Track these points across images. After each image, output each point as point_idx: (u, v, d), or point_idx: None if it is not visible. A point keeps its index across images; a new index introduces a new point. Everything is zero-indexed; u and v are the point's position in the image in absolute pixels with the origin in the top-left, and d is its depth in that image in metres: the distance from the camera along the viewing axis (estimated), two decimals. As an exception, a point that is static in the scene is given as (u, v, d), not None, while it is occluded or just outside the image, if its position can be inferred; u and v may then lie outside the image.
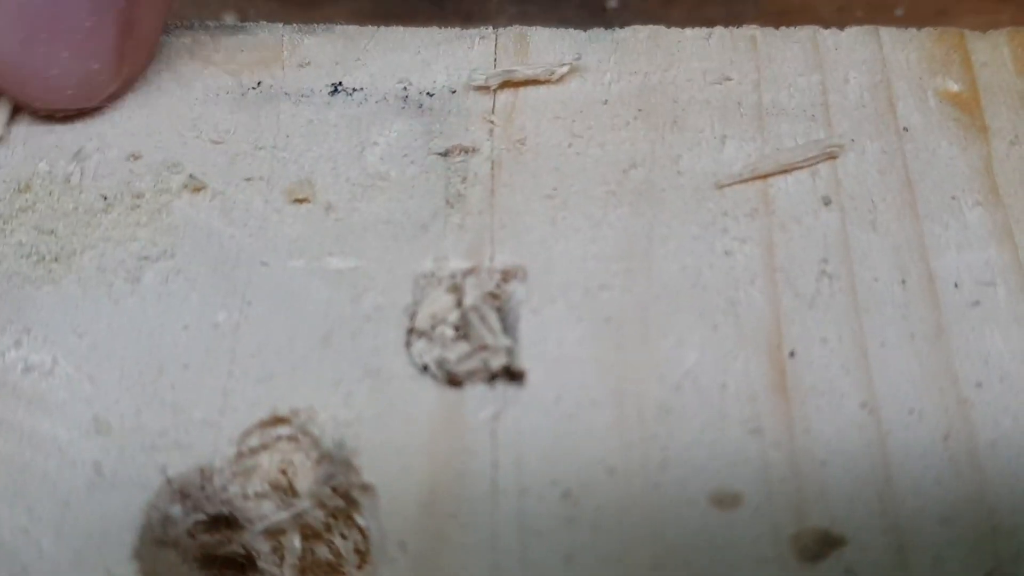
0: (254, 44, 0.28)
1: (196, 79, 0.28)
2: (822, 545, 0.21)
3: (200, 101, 0.27)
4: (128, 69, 0.26)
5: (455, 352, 0.23)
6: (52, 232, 0.25)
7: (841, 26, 0.35)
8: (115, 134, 0.27)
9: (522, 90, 0.27)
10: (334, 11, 0.39)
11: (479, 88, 0.27)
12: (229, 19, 0.38)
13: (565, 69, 0.27)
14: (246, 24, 0.28)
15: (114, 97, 0.27)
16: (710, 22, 0.40)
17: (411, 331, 0.24)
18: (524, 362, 0.23)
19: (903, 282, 0.24)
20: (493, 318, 0.24)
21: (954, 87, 0.27)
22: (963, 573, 0.21)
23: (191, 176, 0.26)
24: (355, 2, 0.40)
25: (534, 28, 0.28)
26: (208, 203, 0.25)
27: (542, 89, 0.27)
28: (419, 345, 0.23)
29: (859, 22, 0.39)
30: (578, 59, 0.27)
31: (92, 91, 0.26)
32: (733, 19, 0.40)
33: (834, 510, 0.21)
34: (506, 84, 0.27)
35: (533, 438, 0.22)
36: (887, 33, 0.28)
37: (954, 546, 0.21)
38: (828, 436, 0.22)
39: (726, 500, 0.21)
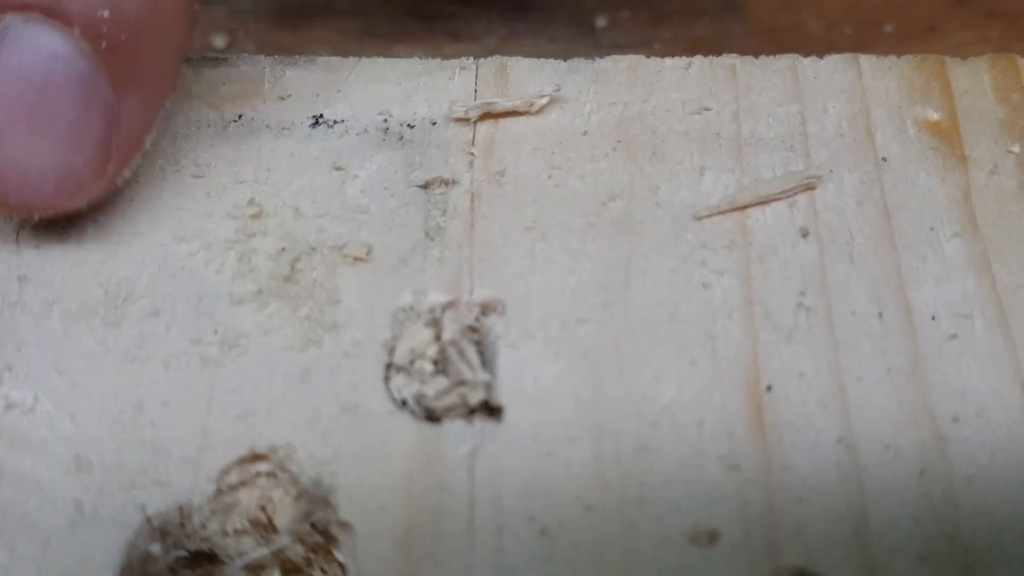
0: (236, 76, 0.28)
1: (178, 112, 0.27)
2: (798, 583, 0.21)
3: (182, 135, 0.27)
4: (114, 168, 0.25)
5: (433, 387, 0.23)
6: (34, 267, 0.25)
7: (831, 43, 0.34)
8: (97, 168, 0.27)
9: (502, 122, 0.27)
10: (324, 32, 0.39)
11: (459, 120, 0.27)
12: (219, 41, 0.39)
13: (544, 100, 0.27)
14: (228, 56, 0.28)
15: (96, 198, 0.25)
16: (699, 40, 0.40)
17: (389, 366, 0.24)
18: (502, 397, 0.23)
19: (880, 315, 0.24)
20: (472, 352, 0.24)
21: (934, 116, 0.27)
22: (939, 610, 0.21)
23: (172, 210, 0.26)
24: (343, 22, 0.40)
25: (515, 58, 0.28)
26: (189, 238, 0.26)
27: (522, 121, 0.27)
28: (397, 380, 0.23)
29: (848, 39, 0.39)
30: (557, 90, 0.27)
31: (74, 188, 0.24)
32: (722, 37, 0.40)
33: (810, 548, 0.21)
34: (486, 116, 0.27)
35: (511, 475, 0.22)
36: (867, 61, 0.28)
37: (930, 583, 0.21)
38: (805, 472, 0.22)
39: (703, 538, 0.21)
